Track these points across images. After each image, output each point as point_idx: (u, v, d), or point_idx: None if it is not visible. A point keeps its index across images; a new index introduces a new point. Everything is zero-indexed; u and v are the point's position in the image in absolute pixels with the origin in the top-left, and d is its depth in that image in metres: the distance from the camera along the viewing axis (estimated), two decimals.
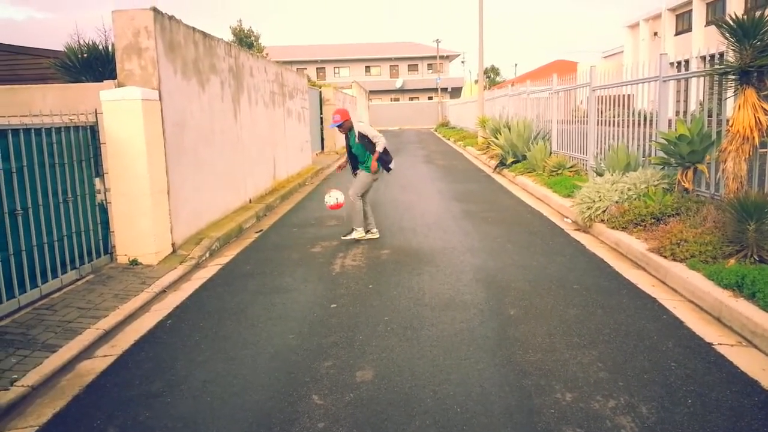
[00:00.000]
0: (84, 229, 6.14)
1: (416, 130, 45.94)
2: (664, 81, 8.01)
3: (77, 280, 5.95)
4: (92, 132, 6.37)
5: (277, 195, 11.36)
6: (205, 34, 8.50)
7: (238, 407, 3.47)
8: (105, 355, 4.36)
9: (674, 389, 3.48)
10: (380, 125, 51.38)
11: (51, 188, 5.67)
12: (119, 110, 6.34)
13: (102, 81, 6.86)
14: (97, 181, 6.45)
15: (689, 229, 5.90)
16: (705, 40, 26.34)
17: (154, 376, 3.94)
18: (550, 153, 12.97)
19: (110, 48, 7.82)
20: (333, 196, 7.77)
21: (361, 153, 7.63)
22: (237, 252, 7.36)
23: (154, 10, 6.75)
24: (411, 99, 63.36)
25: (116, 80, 6.72)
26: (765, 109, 5.69)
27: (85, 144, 6.27)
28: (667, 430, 3.06)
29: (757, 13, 5.67)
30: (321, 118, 22.76)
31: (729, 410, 3.24)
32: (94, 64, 7.86)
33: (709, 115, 6.99)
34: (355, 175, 7.78)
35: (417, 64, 66.90)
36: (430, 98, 61.34)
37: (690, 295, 5.02)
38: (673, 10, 35.49)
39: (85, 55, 7.92)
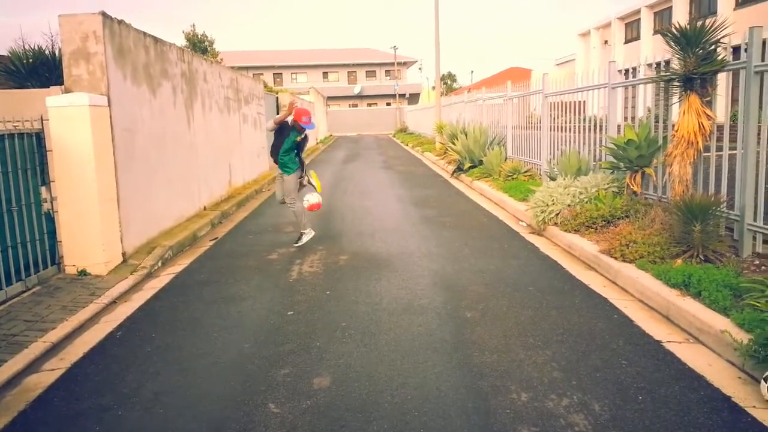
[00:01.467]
0: (30, 239, 5.92)
1: (375, 136, 46.04)
2: (613, 88, 8.25)
3: (23, 291, 5.73)
4: (38, 139, 6.16)
5: (233, 202, 11.20)
6: (156, 39, 8.33)
7: (191, 418, 3.39)
8: (53, 369, 4.20)
9: (625, 386, 3.57)
10: (339, 131, 51.36)
11: None
12: (66, 117, 6.16)
13: (48, 87, 6.65)
14: (43, 189, 6.24)
15: (638, 231, 6.07)
16: (653, 48, 27.25)
17: (104, 389, 3.82)
18: (506, 158, 13.19)
19: (57, 53, 7.58)
20: (308, 200, 7.69)
21: (292, 147, 7.58)
22: (191, 261, 7.22)
23: (103, 14, 6.58)
24: (369, 105, 63.57)
25: (63, 86, 6.53)
26: (708, 115, 5.91)
27: (31, 151, 6.06)
28: (618, 426, 3.14)
29: (699, 23, 5.89)
30: None
31: (677, 405, 3.33)
32: (40, 70, 7.61)
33: (656, 121, 7.22)
34: (278, 171, 7.71)
35: (375, 71, 67.18)
36: (388, 104, 61.66)
37: (639, 295, 5.16)
38: (622, 18, 36.64)
39: (31, 60, 7.66)
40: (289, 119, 7.50)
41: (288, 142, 7.53)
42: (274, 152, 7.62)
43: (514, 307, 5.03)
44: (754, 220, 5.41)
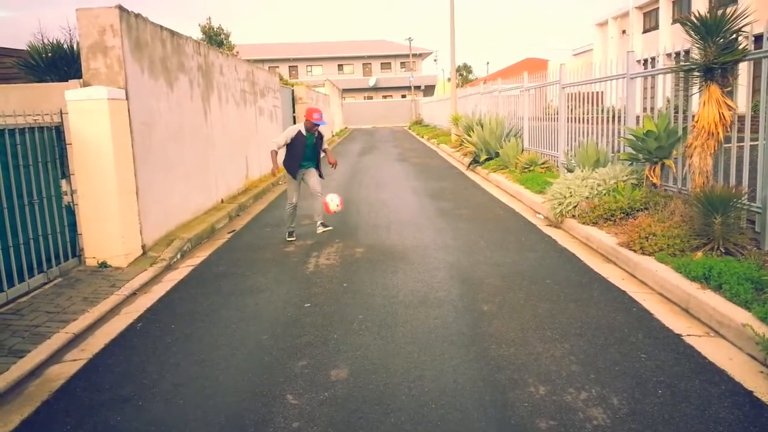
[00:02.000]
0: (51, 232, 6.01)
1: (390, 128, 45.98)
2: (632, 78, 8.14)
3: (45, 283, 5.82)
4: (57, 132, 6.23)
5: (250, 195, 11.26)
6: (172, 32, 8.37)
7: (210, 409, 3.43)
8: (74, 360, 4.27)
9: (644, 380, 3.54)
10: (354, 123, 51.37)
11: (16, 190, 5.53)
12: (85, 110, 6.22)
13: (67, 80, 6.72)
14: (63, 182, 6.31)
15: (657, 223, 6.01)
16: (672, 38, 26.85)
17: (124, 380, 3.87)
18: (522, 150, 13.10)
19: (75, 47, 7.66)
20: (334, 202, 7.62)
21: (312, 152, 7.68)
22: (209, 253, 7.27)
23: (120, 8, 6.62)
24: (384, 97, 63.42)
25: (82, 80, 6.59)
26: (728, 105, 5.81)
27: (51, 145, 6.13)
28: (637, 420, 3.12)
29: (720, 12, 5.78)
30: (294, 116, 22.63)
31: (697, 399, 3.30)
32: (58, 64, 7.69)
33: (676, 111, 7.12)
34: (299, 174, 7.69)
35: (390, 63, 66.95)
36: (403, 96, 61.45)
37: (659, 288, 5.11)
38: (640, 8, 36.10)
39: (50, 54, 7.75)
40: (300, 127, 7.56)
41: (307, 149, 7.57)
42: (294, 165, 7.59)
43: (532, 299, 5.01)
44: None
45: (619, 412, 3.20)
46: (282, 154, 7.79)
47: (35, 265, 5.76)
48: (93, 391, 3.75)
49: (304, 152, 7.58)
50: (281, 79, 20.35)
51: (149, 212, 7.11)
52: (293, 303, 5.21)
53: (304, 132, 7.54)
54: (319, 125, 7.50)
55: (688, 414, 3.16)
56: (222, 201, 10.30)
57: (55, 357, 4.31)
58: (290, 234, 7.78)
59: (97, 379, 3.92)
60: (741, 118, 6.19)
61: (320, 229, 7.67)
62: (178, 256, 7.07)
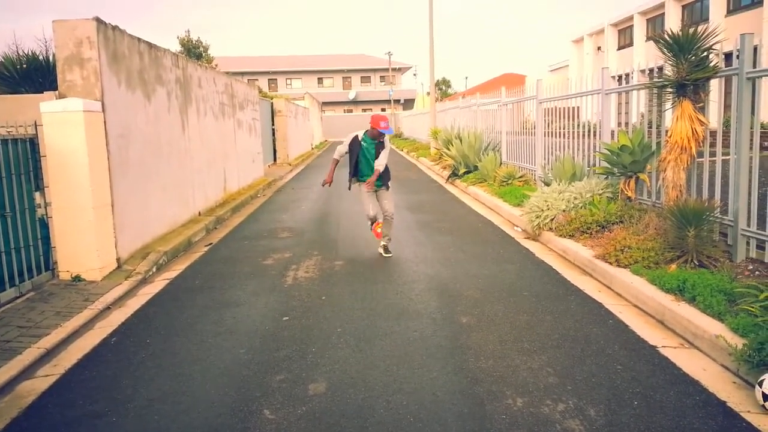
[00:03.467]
0: (24, 245, 5.89)
1: None
2: (607, 94, 8.29)
3: (17, 297, 5.70)
4: (32, 145, 6.14)
5: (228, 207, 11.18)
6: (150, 45, 8.33)
7: (186, 425, 3.37)
8: (46, 375, 4.18)
9: (620, 391, 3.57)
10: (334, 136, 51.39)
11: None
12: (60, 122, 6.14)
13: (42, 92, 6.64)
14: (37, 195, 6.21)
15: (632, 236, 6.09)
16: (646, 55, 27.42)
17: (98, 396, 3.79)
18: (501, 163, 13.22)
19: (51, 58, 7.57)
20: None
21: (369, 165, 7.15)
22: (186, 266, 7.19)
23: (97, 20, 6.58)
24: (364, 110, 63.62)
25: (57, 91, 6.51)
26: (701, 121, 5.94)
27: (25, 157, 6.03)
28: (614, 431, 3.14)
29: (692, 30, 5.93)
30: (273, 129, 22.60)
31: (672, 410, 3.34)
32: (33, 75, 7.60)
33: (650, 127, 7.26)
34: (356, 185, 7.31)
35: (370, 76, 67.31)
36: (383, 110, 61.71)
37: (634, 300, 5.17)
38: (615, 25, 36.85)
39: (24, 65, 7.64)
40: (358, 134, 7.15)
41: (366, 159, 7.12)
42: (350, 173, 7.25)
43: (510, 312, 5.04)
44: (748, 225, 5.43)
45: (596, 424, 3.22)
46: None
47: (7, 279, 5.64)
48: (65, 408, 3.66)
49: (362, 162, 7.11)
50: (260, 91, 20.32)
51: (125, 225, 7.02)
52: (271, 316, 5.17)
53: (360, 138, 7.08)
54: (385, 134, 6.98)
55: (664, 425, 3.19)
56: (199, 213, 10.21)
57: (27, 373, 4.21)
58: (386, 249, 7.31)
59: (70, 395, 3.83)
60: (713, 133, 6.33)
61: (384, 252, 7.27)
62: (154, 269, 6.98)
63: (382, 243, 7.36)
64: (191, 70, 10.30)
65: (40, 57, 7.73)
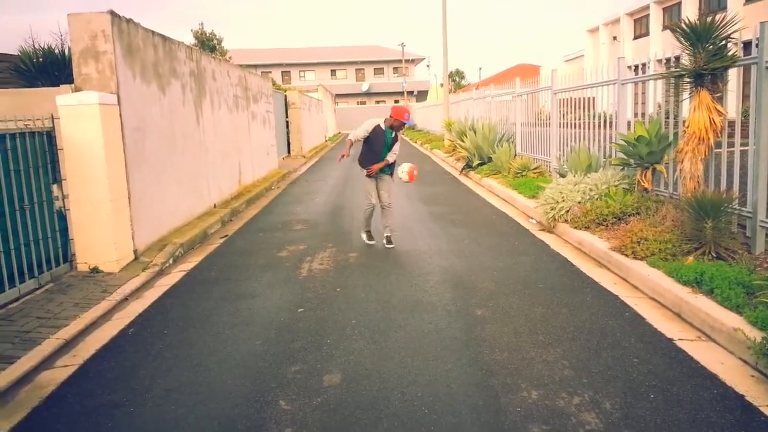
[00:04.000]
0: (42, 237, 5.97)
1: None
2: (623, 84, 8.20)
3: (36, 289, 5.78)
4: (49, 138, 6.20)
5: (243, 200, 11.23)
6: (164, 38, 8.36)
7: (203, 415, 3.41)
8: (65, 365, 4.24)
9: (637, 384, 3.55)
10: (347, 129, 51.39)
11: (7, 196, 5.50)
12: (77, 115, 6.20)
13: (58, 85, 6.70)
14: (54, 187, 6.28)
15: (649, 228, 6.04)
16: (662, 44, 27.06)
17: (116, 386, 3.84)
18: (515, 155, 13.14)
19: (66, 52, 7.63)
20: (404, 171, 7.39)
21: (387, 152, 7.22)
22: (201, 258, 7.25)
23: (112, 13, 6.61)
24: (377, 102, 63.57)
25: (73, 85, 6.56)
26: (718, 111, 5.86)
27: (42, 150, 6.09)
28: (630, 425, 3.12)
29: (709, 19, 5.83)
30: (287, 121, 22.65)
31: (689, 404, 3.31)
32: (49, 69, 7.66)
33: (667, 117, 7.17)
34: (371, 173, 7.22)
35: (383, 68, 67.12)
36: (396, 101, 61.59)
37: (651, 292, 5.13)
38: (631, 14, 36.38)
39: (41, 59, 7.71)
40: (379, 122, 7.16)
41: (385, 147, 7.15)
42: (370, 161, 7.19)
43: (525, 304, 5.02)
44: (767, 216, 5.36)
45: (612, 417, 3.20)
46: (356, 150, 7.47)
47: (26, 271, 5.72)
48: (84, 397, 3.72)
49: (382, 150, 7.16)
50: (274, 84, 20.33)
51: (141, 217, 7.09)
52: (286, 308, 5.19)
53: (383, 127, 7.12)
54: (406, 125, 7.27)
55: (680, 418, 3.17)
56: (215, 206, 10.27)
57: (46, 363, 4.27)
58: (368, 236, 7.54)
59: (89, 385, 3.89)
60: (731, 124, 6.24)
61: (386, 243, 7.33)
62: (171, 261, 7.04)
63: (386, 234, 7.41)
64: (205, 63, 10.34)
65: (56, 51, 7.80)
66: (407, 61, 64.69)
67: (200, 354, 4.28)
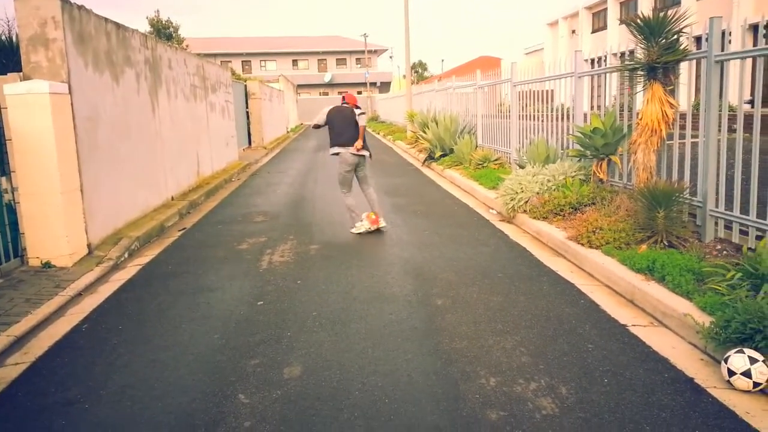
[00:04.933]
0: None
1: None
2: (579, 77, 8.34)
3: None
4: None
5: (202, 192, 11.05)
6: (118, 25, 8.13)
7: (160, 411, 3.35)
8: (16, 363, 4.10)
9: (591, 370, 3.64)
10: (310, 120, 50.95)
11: None
12: (25, 104, 5.98)
13: (6, 74, 6.44)
14: (3, 180, 6.06)
15: (604, 218, 6.18)
16: (619, 38, 27.63)
17: (70, 383, 3.75)
18: (476, 146, 13.26)
19: (15, 39, 7.35)
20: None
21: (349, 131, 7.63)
22: (158, 251, 7.10)
23: None
24: (340, 93, 63.00)
25: (22, 73, 6.33)
26: (671, 103, 6.02)
27: None
28: (585, 408, 3.20)
29: (662, 13, 5.98)
30: (247, 112, 22.33)
31: (642, 387, 3.41)
32: None
33: (621, 110, 7.33)
34: (358, 149, 7.58)
35: (345, 59, 66.77)
36: (359, 92, 61.36)
37: (606, 280, 5.26)
38: (589, 8, 37.04)
39: None
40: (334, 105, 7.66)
41: (352, 119, 7.56)
42: (343, 138, 7.52)
43: (484, 293, 5.08)
44: (716, 206, 5.54)
45: (567, 401, 3.28)
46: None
47: None
48: (36, 396, 3.61)
49: (352, 123, 7.62)
50: (233, 74, 20.03)
51: (95, 210, 6.90)
52: (246, 301, 5.14)
53: (341, 104, 7.78)
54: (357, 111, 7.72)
55: (633, 401, 3.26)
56: (172, 198, 10.07)
57: None
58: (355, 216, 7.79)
59: (41, 383, 3.78)
60: (683, 116, 6.42)
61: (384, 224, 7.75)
62: (126, 255, 6.88)
63: (381, 222, 7.64)
64: (161, 51, 10.10)
65: (3, 37, 7.50)
66: (370, 51, 64.50)
67: (157, 349, 4.21)
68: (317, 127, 7.74)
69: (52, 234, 6.16)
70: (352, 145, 7.43)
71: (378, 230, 7.59)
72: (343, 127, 7.47)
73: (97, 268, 6.22)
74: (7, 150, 6.05)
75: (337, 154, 7.53)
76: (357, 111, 7.56)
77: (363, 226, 7.54)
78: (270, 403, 3.38)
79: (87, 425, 3.25)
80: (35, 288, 5.56)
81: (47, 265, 6.16)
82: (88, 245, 6.66)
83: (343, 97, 7.84)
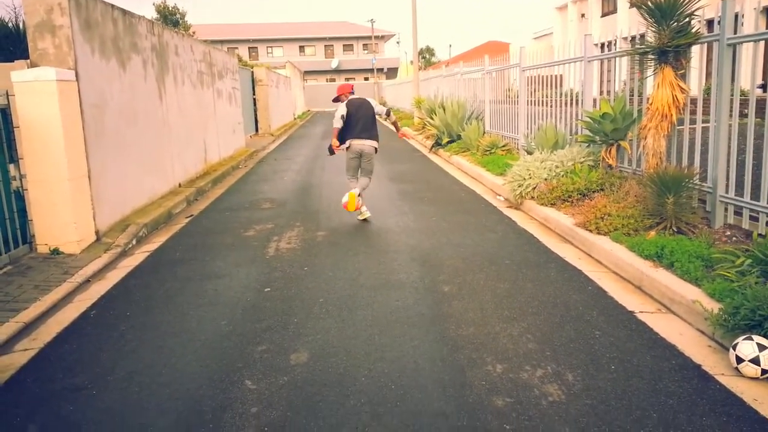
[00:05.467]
0: None
1: None
2: (589, 61, 8.25)
3: None
4: (4, 115, 5.98)
5: (209, 179, 11.06)
6: (124, 12, 8.10)
7: (167, 397, 3.37)
8: (25, 349, 4.14)
9: (598, 356, 3.62)
10: (317, 106, 50.87)
11: None
12: (33, 92, 5.98)
13: (13, 61, 6.43)
14: (11, 167, 6.08)
15: (613, 204, 6.13)
16: (629, 22, 27.26)
17: (78, 369, 3.77)
18: (484, 133, 13.18)
19: (21, 26, 7.35)
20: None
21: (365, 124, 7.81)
22: (166, 238, 7.13)
23: None
24: (347, 79, 62.89)
25: (29, 60, 6.32)
26: (681, 88, 5.93)
27: None
28: (591, 395, 3.19)
29: None
30: (254, 99, 22.29)
31: (649, 374, 3.40)
32: (3, 43, 7.39)
33: (632, 94, 7.25)
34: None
35: (352, 44, 66.42)
36: (366, 79, 61.12)
37: (613, 267, 5.22)
38: None
39: None
40: (345, 104, 7.62)
41: (371, 112, 7.77)
42: (362, 130, 7.65)
43: (491, 280, 5.07)
44: (726, 191, 5.48)
45: (574, 388, 3.27)
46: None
47: None
48: (44, 382, 3.64)
49: (371, 115, 7.94)
50: (240, 60, 19.97)
51: (103, 197, 6.92)
52: (253, 288, 5.15)
53: (353, 100, 7.83)
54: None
55: (640, 388, 3.25)
56: (179, 185, 10.09)
57: (5, 348, 4.16)
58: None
59: (49, 369, 3.81)
60: (693, 101, 6.33)
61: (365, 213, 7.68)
62: (134, 241, 6.91)
63: (364, 211, 7.55)
64: (167, 38, 10.06)
65: (10, 25, 7.50)
66: (377, 37, 64.10)
67: (164, 335, 4.23)
68: (338, 131, 7.54)
69: (60, 221, 6.18)
70: (376, 140, 7.70)
71: (365, 220, 7.52)
72: (368, 123, 7.62)
73: (105, 254, 6.25)
74: (15, 137, 6.06)
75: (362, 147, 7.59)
76: (371, 102, 7.71)
77: (366, 212, 7.52)
78: (277, 389, 3.39)
79: (94, 411, 3.27)
80: (43, 275, 5.59)
81: (55, 251, 6.20)
82: (96, 232, 6.68)
83: (342, 94, 7.74)
